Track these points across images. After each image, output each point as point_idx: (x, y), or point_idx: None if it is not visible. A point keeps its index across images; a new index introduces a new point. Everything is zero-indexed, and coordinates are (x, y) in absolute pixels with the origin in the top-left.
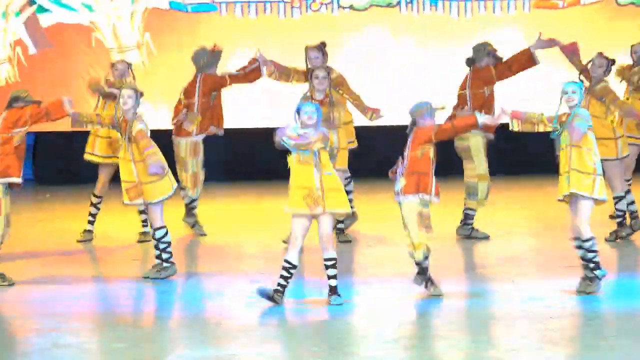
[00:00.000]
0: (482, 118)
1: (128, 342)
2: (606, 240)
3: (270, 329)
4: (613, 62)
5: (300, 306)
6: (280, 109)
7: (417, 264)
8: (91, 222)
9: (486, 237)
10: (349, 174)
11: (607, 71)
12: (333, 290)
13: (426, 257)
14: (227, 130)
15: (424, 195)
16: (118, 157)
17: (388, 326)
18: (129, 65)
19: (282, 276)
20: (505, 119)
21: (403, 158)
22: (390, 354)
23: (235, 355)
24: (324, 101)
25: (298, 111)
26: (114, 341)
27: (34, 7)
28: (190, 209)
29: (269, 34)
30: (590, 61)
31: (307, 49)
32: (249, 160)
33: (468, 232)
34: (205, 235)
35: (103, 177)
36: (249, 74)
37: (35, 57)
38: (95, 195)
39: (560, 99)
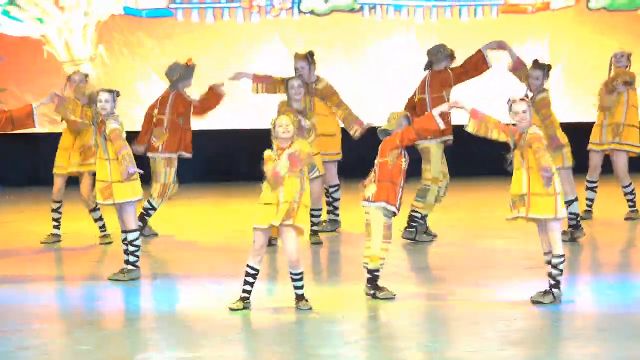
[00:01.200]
0: (436, 112)
1: (93, 344)
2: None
3: (235, 331)
4: (549, 67)
5: (265, 309)
6: (250, 112)
7: (370, 272)
8: (56, 227)
9: (430, 240)
10: (338, 183)
11: (545, 78)
12: (300, 298)
13: (379, 268)
14: (199, 131)
15: (388, 205)
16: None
17: (349, 327)
18: (86, 75)
19: (246, 282)
20: (459, 109)
21: (374, 167)
22: (351, 354)
23: (200, 357)
24: (302, 111)
25: (274, 125)
26: (79, 343)
27: None
28: (143, 215)
29: (227, 39)
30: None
31: (295, 57)
32: (217, 162)
33: (412, 235)
34: (157, 234)
35: (59, 182)
36: (204, 101)
37: None
38: (54, 201)
39: (510, 115)
